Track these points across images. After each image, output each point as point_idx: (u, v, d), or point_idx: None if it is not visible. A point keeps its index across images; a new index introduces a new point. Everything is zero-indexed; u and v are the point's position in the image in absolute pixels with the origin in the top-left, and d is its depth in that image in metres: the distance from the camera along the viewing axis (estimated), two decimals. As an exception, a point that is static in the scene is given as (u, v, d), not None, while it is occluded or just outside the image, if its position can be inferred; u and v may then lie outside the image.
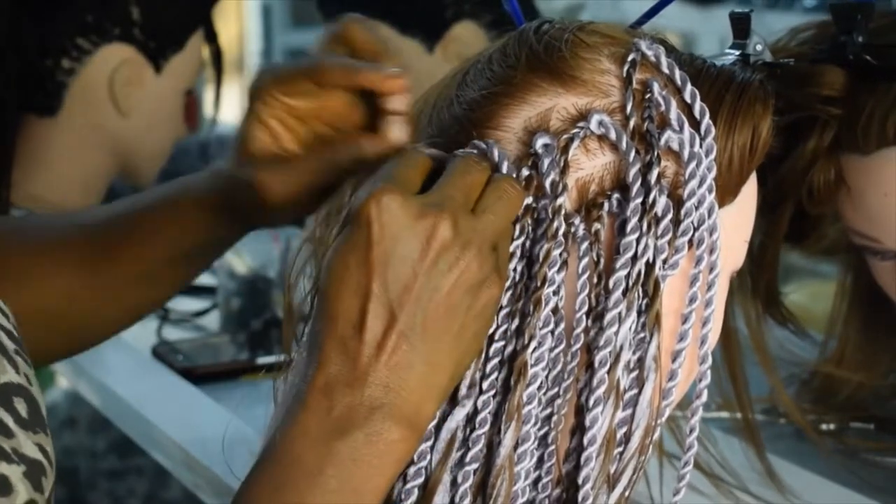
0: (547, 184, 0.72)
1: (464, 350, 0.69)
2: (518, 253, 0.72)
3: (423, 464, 0.70)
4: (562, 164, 0.72)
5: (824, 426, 1.25)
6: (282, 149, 0.81)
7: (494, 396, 0.71)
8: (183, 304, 1.63)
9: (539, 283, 0.71)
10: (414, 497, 0.70)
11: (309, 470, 0.67)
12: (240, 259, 1.52)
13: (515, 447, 0.70)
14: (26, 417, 0.72)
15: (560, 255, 0.72)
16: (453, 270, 0.68)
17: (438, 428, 0.71)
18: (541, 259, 0.71)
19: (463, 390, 0.71)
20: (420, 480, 0.70)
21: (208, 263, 0.92)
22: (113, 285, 0.90)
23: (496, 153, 0.72)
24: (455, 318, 0.68)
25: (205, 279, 1.72)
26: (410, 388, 0.68)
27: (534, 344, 0.71)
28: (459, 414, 0.70)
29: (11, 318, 0.77)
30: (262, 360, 1.40)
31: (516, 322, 0.71)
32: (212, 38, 1.63)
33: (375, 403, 0.67)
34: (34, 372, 0.76)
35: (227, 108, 1.83)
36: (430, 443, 0.70)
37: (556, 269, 0.71)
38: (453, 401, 0.71)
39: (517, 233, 0.72)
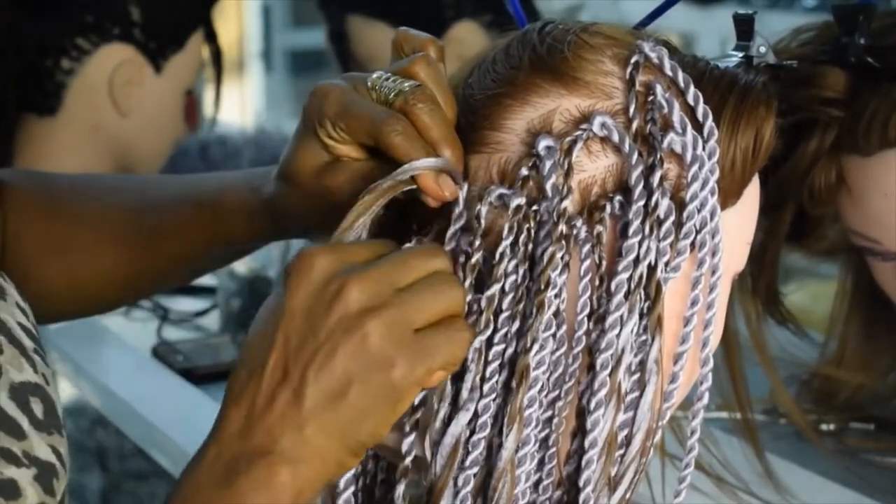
0: (548, 186, 0.71)
1: (357, 419, 0.67)
2: (520, 255, 0.71)
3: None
4: (566, 166, 0.71)
5: (824, 426, 1.25)
6: (333, 156, 0.78)
7: (494, 400, 0.70)
8: (183, 304, 1.63)
9: (542, 286, 0.70)
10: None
11: None
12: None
13: (517, 450, 0.70)
14: (41, 418, 0.72)
15: (562, 257, 0.71)
16: (351, 339, 0.66)
17: (442, 433, 0.70)
18: (544, 262, 0.71)
19: (465, 394, 0.70)
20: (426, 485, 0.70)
21: (244, 255, 0.95)
22: (146, 268, 0.91)
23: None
24: (350, 386, 0.66)
25: (205, 279, 1.72)
26: (302, 439, 0.66)
27: (536, 347, 0.70)
28: (463, 418, 0.70)
29: (31, 316, 0.77)
30: (262, 360, 1.40)
31: (517, 325, 0.71)
32: (212, 38, 1.63)
33: (261, 451, 0.66)
34: (51, 371, 0.76)
35: (227, 108, 1.82)
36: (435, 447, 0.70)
37: (558, 271, 0.71)
38: (455, 405, 0.71)
39: (520, 236, 0.72)
